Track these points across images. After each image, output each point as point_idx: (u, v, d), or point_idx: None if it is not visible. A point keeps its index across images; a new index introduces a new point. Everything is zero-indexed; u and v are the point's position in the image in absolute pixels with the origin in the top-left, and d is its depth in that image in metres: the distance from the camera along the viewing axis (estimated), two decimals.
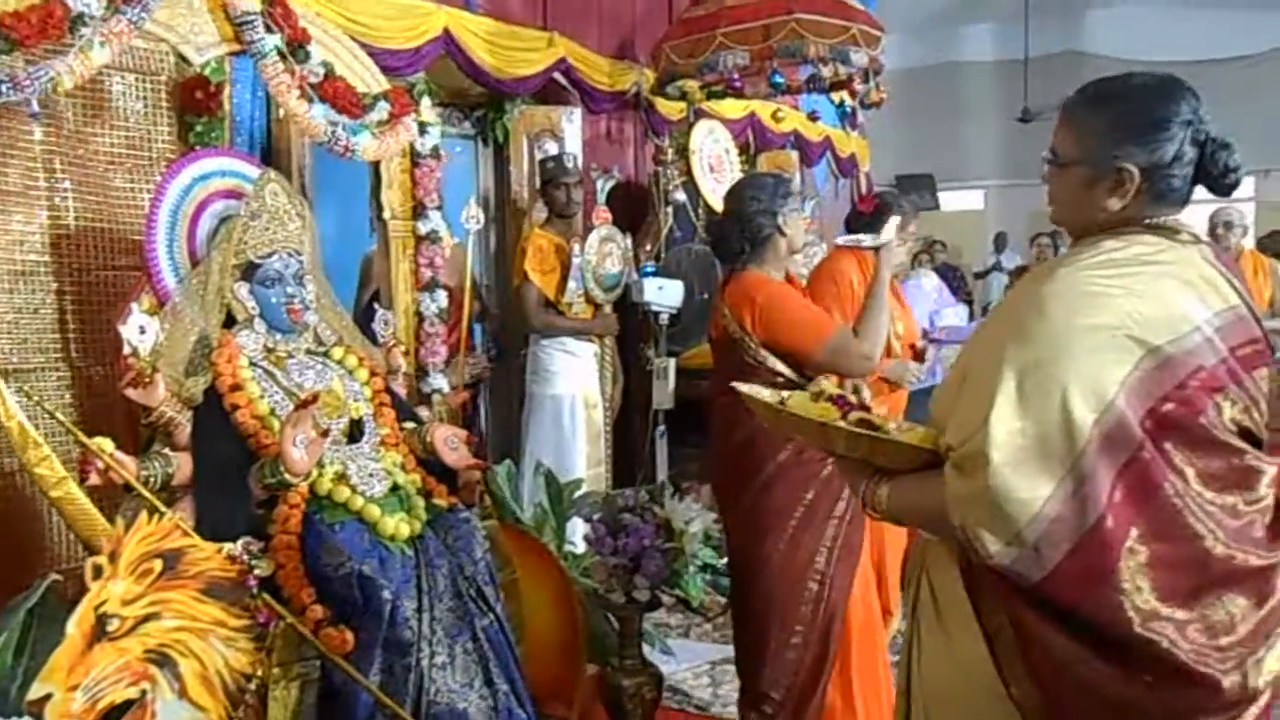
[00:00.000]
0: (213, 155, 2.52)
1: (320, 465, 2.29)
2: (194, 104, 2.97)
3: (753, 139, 6.46)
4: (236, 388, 2.29)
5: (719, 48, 4.52)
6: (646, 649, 3.02)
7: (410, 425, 2.59)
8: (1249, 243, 6.65)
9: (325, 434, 2.19)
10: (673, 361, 4.50)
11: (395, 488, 2.40)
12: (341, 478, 2.32)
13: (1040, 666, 1.34)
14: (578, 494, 3.32)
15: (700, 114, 5.48)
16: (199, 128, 2.93)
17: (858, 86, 4.56)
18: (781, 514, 2.62)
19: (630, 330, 4.80)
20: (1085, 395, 1.28)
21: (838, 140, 7.62)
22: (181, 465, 2.19)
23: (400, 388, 2.76)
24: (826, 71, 4.36)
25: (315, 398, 2.16)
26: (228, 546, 1.97)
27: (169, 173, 2.43)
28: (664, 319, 4.46)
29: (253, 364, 2.38)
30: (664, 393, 4.44)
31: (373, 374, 2.59)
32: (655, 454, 4.54)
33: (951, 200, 14.10)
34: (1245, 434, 1.37)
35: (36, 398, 2.18)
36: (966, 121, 14.19)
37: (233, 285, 2.40)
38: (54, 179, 2.70)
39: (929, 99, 13.31)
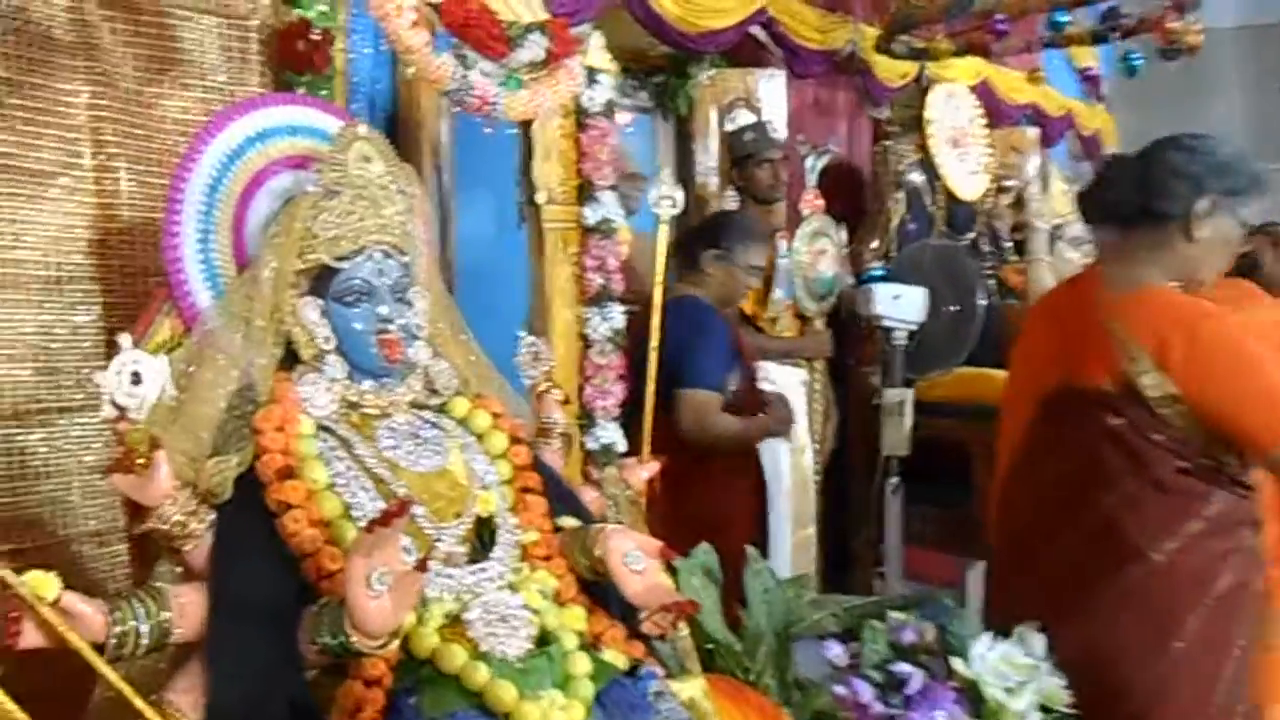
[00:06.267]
0: (276, 104, 1.64)
1: (421, 602, 1.38)
2: (295, 58, 2.21)
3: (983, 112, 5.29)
4: (288, 473, 1.39)
5: None
6: None
7: (570, 523, 1.64)
8: None
9: (423, 566, 1.26)
10: (910, 394, 3.43)
11: (544, 640, 1.45)
12: (455, 624, 1.40)
13: None
14: (807, 598, 2.30)
15: (928, 79, 4.41)
16: (301, 89, 2.17)
17: (1172, 24, 3.35)
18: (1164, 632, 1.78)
19: (846, 351, 3.77)
20: None
21: (1080, 115, 6.31)
22: (188, 609, 1.31)
23: (556, 455, 1.82)
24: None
25: (404, 507, 1.22)
26: None
27: (205, 130, 1.56)
28: (899, 338, 3.40)
29: (322, 430, 1.48)
30: (898, 435, 3.38)
31: (514, 440, 1.65)
32: (884, 513, 3.48)
33: None
34: None
35: None
36: (1210, 96, 12.36)
37: (295, 302, 1.50)
38: (104, 156, 1.96)
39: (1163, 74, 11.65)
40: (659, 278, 1.93)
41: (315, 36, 2.24)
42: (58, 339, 1.86)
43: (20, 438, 1.81)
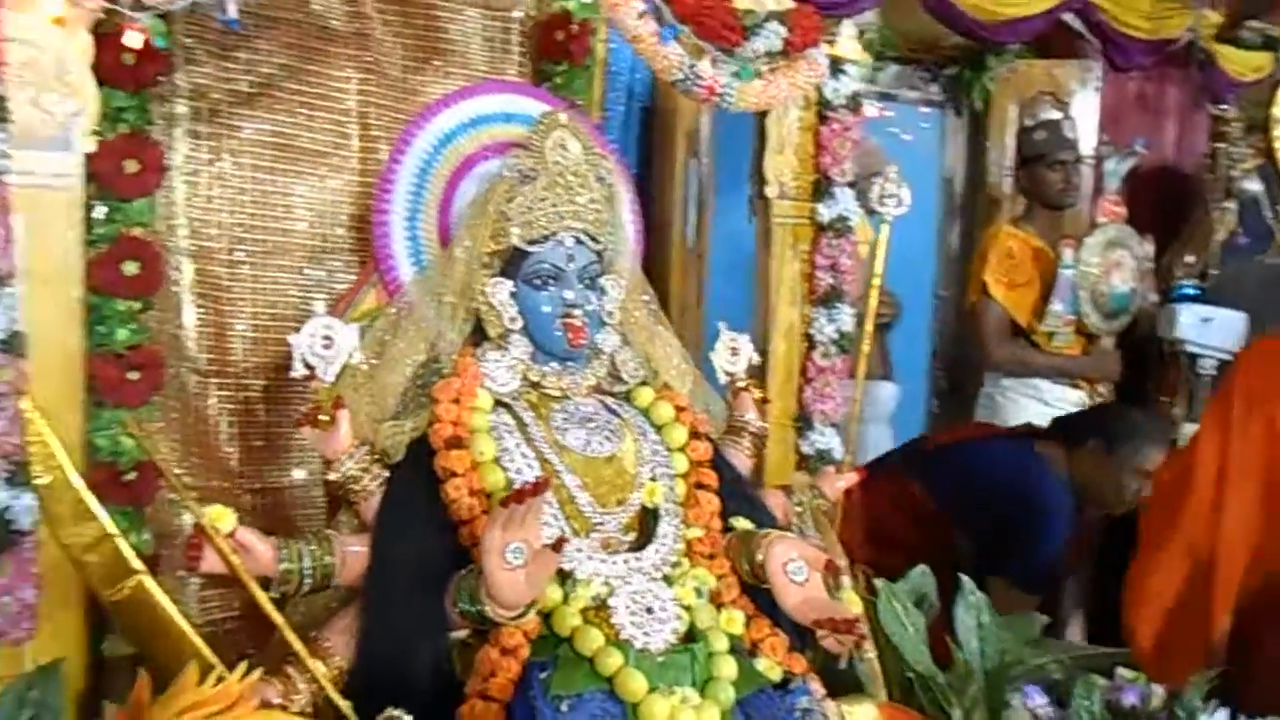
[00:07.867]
0: (491, 92, 1.71)
1: (571, 582, 1.39)
2: (553, 48, 2.28)
3: None
4: (456, 442, 1.45)
5: None
6: None
7: (743, 524, 1.58)
8: None
9: (558, 546, 1.27)
10: None
11: (692, 638, 1.42)
12: (601, 609, 1.40)
13: None
14: (1029, 639, 2.07)
15: None
16: (558, 78, 2.25)
17: None
18: None
19: (1138, 376, 3.35)
20: None
21: None
22: (352, 559, 1.41)
23: (744, 455, 1.76)
24: None
25: (538, 486, 1.24)
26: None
27: (422, 114, 1.66)
28: (1207, 367, 2.97)
29: (500, 405, 1.53)
30: None
31: (694, 434, 1.62)
32: None
33: None
34: None
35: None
36: None
37: (486, 282, 1.57)
38: (369, 138, 2.14)
39: None
40: (876, 280, 1.80)
41: (574, 28, 2.31)
42: (317, 304, 2.07)
43: (280, 389, 2.03)
